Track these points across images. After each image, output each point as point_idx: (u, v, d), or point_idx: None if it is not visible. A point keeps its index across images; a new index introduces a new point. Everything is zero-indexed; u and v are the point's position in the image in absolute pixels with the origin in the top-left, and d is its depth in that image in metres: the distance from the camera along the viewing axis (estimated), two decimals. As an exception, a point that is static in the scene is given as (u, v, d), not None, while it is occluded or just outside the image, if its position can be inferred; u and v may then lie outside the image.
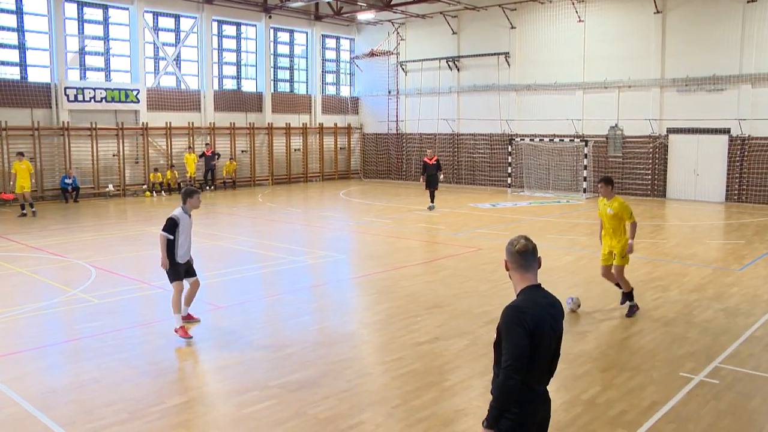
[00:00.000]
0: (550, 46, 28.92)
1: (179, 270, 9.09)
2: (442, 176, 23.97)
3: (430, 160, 23.05)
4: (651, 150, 26.48)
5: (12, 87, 24.99)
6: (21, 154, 21.77)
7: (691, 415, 6.59)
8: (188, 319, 9.51)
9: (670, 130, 25.96)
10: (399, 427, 6.37)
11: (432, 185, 22.85)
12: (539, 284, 4.00)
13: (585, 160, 27.24)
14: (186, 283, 9.24)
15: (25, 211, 21.26)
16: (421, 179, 23.43)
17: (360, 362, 8.28)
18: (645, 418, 6.53)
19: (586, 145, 27.18)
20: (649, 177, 26.67)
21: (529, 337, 3.73)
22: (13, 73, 25.45)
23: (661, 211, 23.07)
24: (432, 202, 23.09)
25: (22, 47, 25.49)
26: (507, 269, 4.07)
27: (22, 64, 25.56)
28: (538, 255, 4.03)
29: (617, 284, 10.45)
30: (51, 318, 10.31)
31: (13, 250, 15.60)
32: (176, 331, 9.00)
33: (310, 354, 8.42)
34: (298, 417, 6.57)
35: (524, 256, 3.96)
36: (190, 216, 9.12)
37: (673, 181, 26.15)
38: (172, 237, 8.86)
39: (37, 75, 25.93)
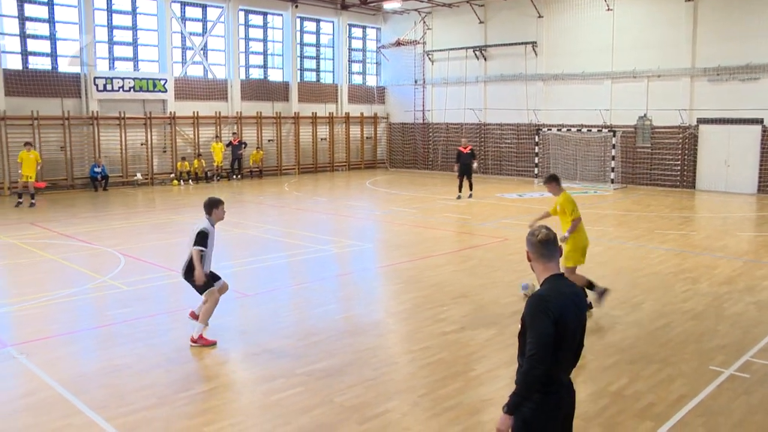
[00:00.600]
0: (578, 36, 28.60)
1: (209, 280, 8.58)
2: (476, 165, 23.94)
3: (465, 149, 23.05)
4: (680, 140, 26.11)
5: (43, 77, 25.33)
6: (29, 143, 21.97)
7: (722, 409, 6.52)
8: (193, 317, 8.82)
9: (701, 121, 25.55)
10: (425, 416, 6.39)
11: (466, 174, 22.86)
12: (562, 273, 4.01)
13: (613, 150, 26.93)
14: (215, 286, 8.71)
15: (21, 200, 21.21)
16: (455, 168, 23.43)
17: (386, 351, 8.31)
18: (674, 410, 6.47)
19: (614, 136, 26.87)
20: (678, 168, 26.31)
21: (554, 326, 3.74)
22: (44, 64, 25.79)
23: (691, 203, 22.77)
24: (460, 191, 23.10)
25: (52, 38, 25.81)
26: (529, 260, 4.08)
27: (53, 55, 25.89)
28: (559, 245, 4.04)
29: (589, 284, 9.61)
30: (82, 304, 10.48)
31: (44, 237, 15.85)
32: (196, 342, 8.39)
33: (336, 342, 8.46)
34: (325, 405, 6.61)
35: (546, 245, 3.97)
36: (214, 227, 8.58)
37: (703, 172, 25.76)
38: (205, 249, 8.32)
39: (67, 65, 26.22)
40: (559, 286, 3.92)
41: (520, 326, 3.96)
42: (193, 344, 8.38)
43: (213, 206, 8.46)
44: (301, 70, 34.30)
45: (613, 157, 26.89)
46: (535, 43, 30.02)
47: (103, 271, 12.29)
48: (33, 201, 21.30)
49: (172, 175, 28.56)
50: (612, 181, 26.77)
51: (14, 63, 24.99)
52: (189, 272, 8.44)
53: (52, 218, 18.77)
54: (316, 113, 34.24)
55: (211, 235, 8.42)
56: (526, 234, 4.10)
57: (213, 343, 8.43)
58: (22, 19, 24.99)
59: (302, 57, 34.52)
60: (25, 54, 25.21)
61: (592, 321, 9.16)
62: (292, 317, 9.76)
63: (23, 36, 25.12)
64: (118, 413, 6.42)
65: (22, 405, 6.68)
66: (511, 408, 3.81)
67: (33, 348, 8.24)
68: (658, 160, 26.84)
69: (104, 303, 10.51)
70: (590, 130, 27.85)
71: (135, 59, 28.18)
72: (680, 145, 26.17)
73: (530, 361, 3.72)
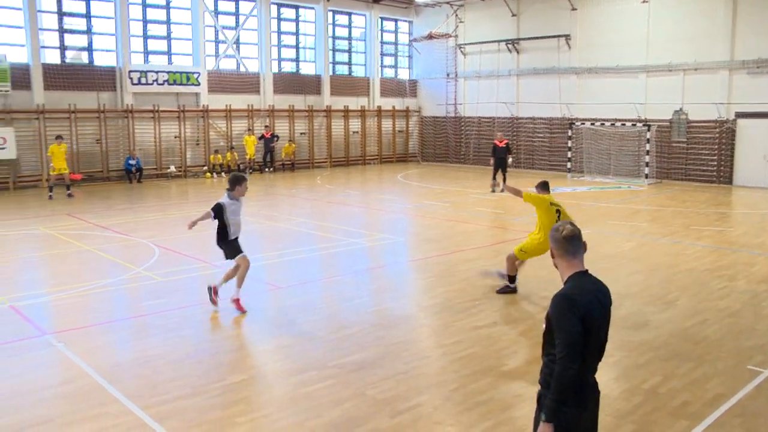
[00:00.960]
0: (612, 28, 28.17)
1: (236, 245, 9.46)
2: (511, 160, 23.81)
3: (500, 142, 22.99)
4: (717, 135, 25.63)
5: (80, 71, 25.74)
6: (60, 137, 22.32)
7: (760, 410, 6.39)
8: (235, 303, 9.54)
9: (739, 115, 25.04)
10: (457, 410, 6.38)
11: (501, 168, 22.80)
12: (586, 270, 3.91)
13: (647, 145, 26.56)
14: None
15: (51, 194, 21.49)
16: (491, 161, 23.38)
17: (418, 345, 8.31)
18: (709, 410, 6.36)
19: (648, 130, 26.49)
20: (715, 163, 25.84)
21: (581, 324, 3.66)
22: (81, 58, 26.17)
23: (727, 199, 22.36)
24: (494, 181, 23.04)
25: (89, 32, 26.20)
26: (553, 257, 3.99)
27: (90, 49, 26.29)
28: (584, 240, 3.96)
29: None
30: (117, 294, 10.65)
31: (81, 228, 16.13)
32: (233, 302, 9.39)
33: (368, 335, 8.48)
34: (356, 397, 6.63)
35: (571, 241, 3.87)
36: (238, 200, 9.39)
37: (740, 167, 25.26)
38: (213, 217, 9.24)
39: (103, 59, 26.61)
40: (583, 283, 3.84)
41: (544, 325, 3.90)
42: (231, 302, 9.38)
43: (236, 183, 9.31)
44: (333, 63, 34.36)
45: (648, 152, 26.52)
46: (569, 36, 29.67)
47: (138, 263, 12.46)
48: (69, 191, 21.73)
49: (205, 168, 28.83)
50: (646, 176, 26.41)
51: (53, 57, 25.43)
52: (220, 240, 9.44)
53: (87, 209, 19.08)
54: (348, 106, 34.29)
55: (229, 208, 9.27)
56: (550, 231, 4.01)
57: (244, 312, 9.30)
58: (60, 14, 25.42)
59: (334, 50, 34.57)
60: (63, 48, 25.64)
61: (625, 317, 9.07)
62: (323, 310, 9.80)
63: (61, 31, 25.55)
64: (153, 402, 6.51)
65: (60, 392, 6.82)
66: (550, 415, 3.70)
67: (71, 336, 8.40)
68: (694, 155, 26.38)
69: (139, 294, 10.67)
70: (624, 125, 27.48)
71: (169, 53, 28.48)
72: (717, 140, 25.69)
73: (562, 362, 3.64)
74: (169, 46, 28.49)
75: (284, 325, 9.01)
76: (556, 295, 3.80)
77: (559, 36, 29.95)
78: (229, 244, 9.46)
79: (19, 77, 24.01)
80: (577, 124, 29.11)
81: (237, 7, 30.42)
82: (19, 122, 24.23)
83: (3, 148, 23.30)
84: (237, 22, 30.47)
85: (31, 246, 14.50)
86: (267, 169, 30.45)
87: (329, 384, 6.94)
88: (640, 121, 27.26)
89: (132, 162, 26.34)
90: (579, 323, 3.65)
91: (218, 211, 9.25)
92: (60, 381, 7.13)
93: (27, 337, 8.42)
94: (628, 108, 27.60)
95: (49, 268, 12.68)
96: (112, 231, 15.72)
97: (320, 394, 6.71)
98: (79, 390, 6.83)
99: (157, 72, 27.38)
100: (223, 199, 9.33)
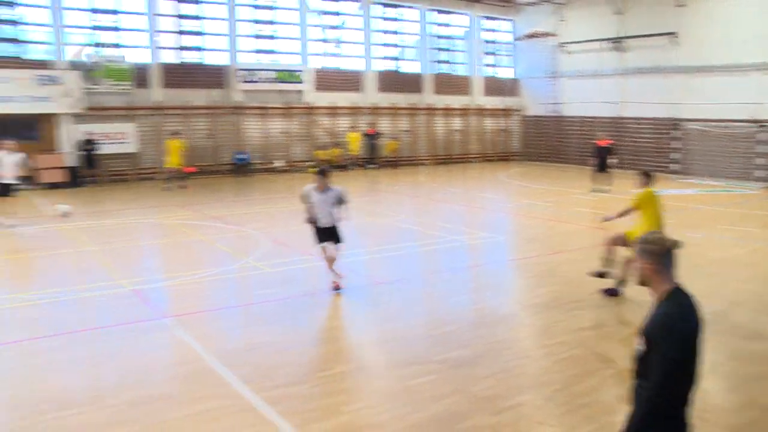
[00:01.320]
0: (721, 25, 26.77)
1: (319, 235, 10.26)
2: (616, 160, 23.16)
3: (602, 143, 22.47)
4: (843, 137, 24.04)
5: (193, 70, 27.04)
6: (176, 133, 23.74)
7: None
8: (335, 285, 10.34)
9: None
10: (559, 411, 6.35)
11: (603, 169, 22.30)
12: (679, 284, 3.60)
13: (760, 147, 25.18)
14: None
15: (169, 185, 22.83)
16: (593, 162, 22.89)
17: (519, 344, 8.31)
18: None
19: (762, 131, 25.10)
20: (840, 167, 24.25)
21: (683, 347, 3.41)
22: (195, 57, 27.45)
23: None
24: (595, 185, 22.55)
25: (202, 33, 27.44)
26: (645, 274, 3.60)
27: (202, 49, 27.51)
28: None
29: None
30: (229, 283, 11.17)
31: (195, 219, 16.92)
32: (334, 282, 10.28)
33: (469, 333, 8.54)
34: (458, 393, 6.70)
35: (671, 255, 3.57)
36: (322, 192, 10.06)
37: None
38: (305, 203, 10.25)
39: (214, 58, 27.77)
40: (683, 300, 3.54)
41: (641, 346, 3.58)
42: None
43: (317, 174, 10.20)
44: (436, 62, 34.43)
45: (761, 154, 25.13)
46: (675, 33, 28.51)
47: (248, 253, 12.99)
48: (182, 184, 23.02)
49: (313, 163, 29.46)
50: (759, 180, 25.06)
51: (170, 57, 26.81)
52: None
53: (200, 201, 19.98)
54: (449, 105, 34.31)
55: (310, 195, 10.14)
56: (641, 242, 3.65)
57: (337, 289, 10.16)
58: (178, 17, 26.76)
59: (435, 49, 34.64)
60: (179, 49, 26.97)
61: (737, 326, 8.72)
62: (423, 306, 9.94)
63: (178, 32, 26.91)
64: (262, 387, 6.80)
65: (177, 373, 7.26)
66: None
67: (186, 320, 8.89)
68: (815, 159, 24.81)
69: (249, 283, 11.15)
70: (735, 125, 26.14)
71: (275, 52, 29.35)
72: (842, 142, 24.08)
73: (655, 388, 3.39)
74: (276, 45, 29.37)
75: (385, 319, 9.19)
76: (661, 315, 3.50)
77: (665, 34, 28.82)
78: (316, 231, 10.31)
79: (140, 76, 25.49)
80: (684, 124, 27.95)
81: (341, 7, 31.00)
82: (139, 118, 25.71)
83: (124, 142, 24.87)
84: (341, 21, 31.06)
85: (149, 234, 15.39)
86: (370, 166, 30.88)
87: (431, 379, 7.03)
88: (753, 121, 25.88)
89: (242, 156, 27.39)
90: (681, 349, 3.39)
91: (303, 198, 10.24)
92: (176, 362, 7.59)
93: (147, 320, 8.99)
94: (740, 108, 26.24)
95: (165, 255, 13.43)
96: (223, 222, 16.41)
97: (422, 388, 6.81)
98: (194, 371, 7.24)
99: (264, 70, 28.35)
100: (306, 188, 10.23)
